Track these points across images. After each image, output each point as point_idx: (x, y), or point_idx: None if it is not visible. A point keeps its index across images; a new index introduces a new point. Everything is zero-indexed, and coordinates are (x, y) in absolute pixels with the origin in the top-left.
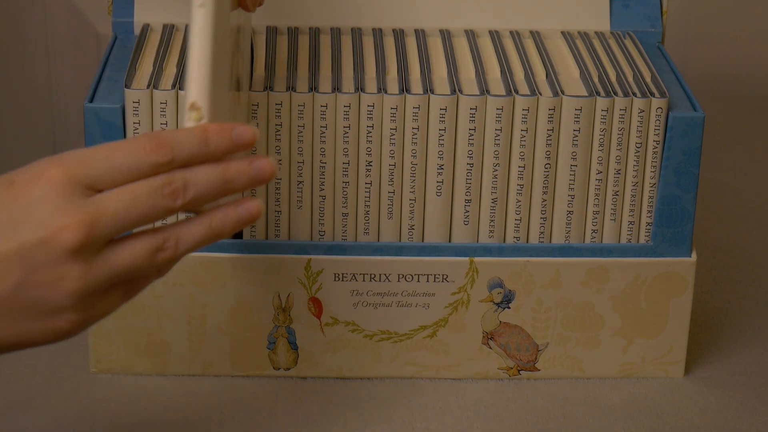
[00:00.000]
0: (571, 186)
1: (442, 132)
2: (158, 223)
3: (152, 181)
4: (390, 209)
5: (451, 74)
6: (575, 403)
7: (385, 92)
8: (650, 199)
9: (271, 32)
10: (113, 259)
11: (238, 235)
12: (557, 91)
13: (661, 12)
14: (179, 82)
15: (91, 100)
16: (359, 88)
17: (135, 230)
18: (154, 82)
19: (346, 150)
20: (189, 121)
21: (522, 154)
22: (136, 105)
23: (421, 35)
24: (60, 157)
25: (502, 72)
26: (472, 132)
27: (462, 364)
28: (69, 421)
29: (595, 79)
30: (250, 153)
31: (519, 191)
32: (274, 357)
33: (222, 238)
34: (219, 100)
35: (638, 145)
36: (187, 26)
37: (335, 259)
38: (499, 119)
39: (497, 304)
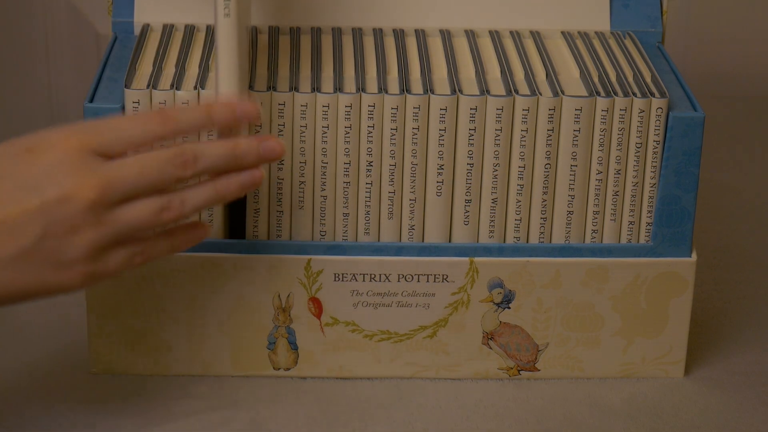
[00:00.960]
0: (571, 186)
1: (442, 132)
2: None
3: (165, 152)
4: (390, 209)
5: (451, 74)
6: (575, 403)
7: (386, 92)
8: (650, 199)
9: (274, 32)
10: (121, 215)
11: (241, 235)
12: (557, 91)
13: (661, 12)
14: (177, 82)
15: (91, 100)
16: (360, 88)
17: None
18: (153, 82)
19: (347, 150)
20: None
21: (522, 154)
22: (135, 105)
23: (421, 35)
24: (74, 126)
25: (502, 72)
26: (472, 132)
27: (462, 364)
28: (69, 421)
29: (595, 79)
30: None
31: (519, 191)
32: (274, 357)
33: (226, 201)
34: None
35: (638, 145)
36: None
37: (335, 259)
38: (499, 119)
39: (497, 305)
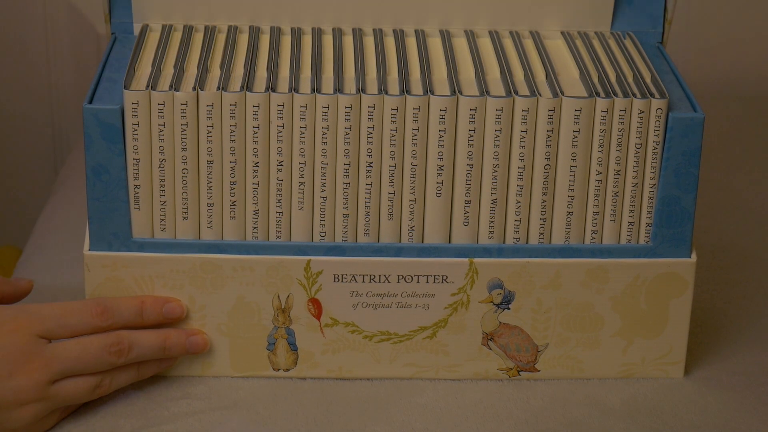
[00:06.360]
0: (571, 187)
1: (442, 133)
2: None
3: (104, 339)
4: (390, 210)
5: (451, 75)
6: (575, 404)
7: (386, 93)
8: (650, 200)
9: (275, 33)
10: (61, 389)
11: (241, 235)
12: (557, 91)
13: (663, 12)
14: (176, 83)
15: (91, 101)
16: (360, 89)
17: None
18: (152, 83)
19: (347, 151)
20: None
21: (522, 155)
22: (134, 106)
23: (421, 35)
24: (22, 309)
25: (502, 73)
26: (471, 133)
27: (462, 365)
28: (70, 422)
29: (595, 80)
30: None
31: (519, 192)
32: (273, 358)
33: (147, 377)
34: None
35: (638, 146)
36: None
37: (335, 260)
38: (498, 120)
39: (497, 305)
